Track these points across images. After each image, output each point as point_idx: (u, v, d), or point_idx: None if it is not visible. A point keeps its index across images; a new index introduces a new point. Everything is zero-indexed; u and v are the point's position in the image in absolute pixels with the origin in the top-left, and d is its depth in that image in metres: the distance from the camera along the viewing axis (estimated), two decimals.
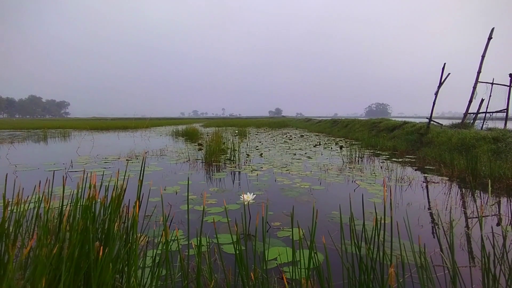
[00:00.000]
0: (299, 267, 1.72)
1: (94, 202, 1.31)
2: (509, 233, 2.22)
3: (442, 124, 7.68)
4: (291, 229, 2.25)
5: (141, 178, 1.38)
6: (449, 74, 6.75)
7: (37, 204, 1.49)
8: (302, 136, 12.71)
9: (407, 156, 6.36)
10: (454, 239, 2.09)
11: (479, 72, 6.98)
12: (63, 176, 1.55)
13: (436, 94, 7.02)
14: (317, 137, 12.29)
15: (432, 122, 7.50)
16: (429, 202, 3.07)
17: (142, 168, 1.42)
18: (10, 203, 1.37)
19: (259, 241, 2.06)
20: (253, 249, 1.97)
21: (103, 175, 2.29)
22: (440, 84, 6.90)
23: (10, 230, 1.29)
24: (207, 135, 12.80)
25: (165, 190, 3.47)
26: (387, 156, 6.43)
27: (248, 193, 2.55)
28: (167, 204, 2.96)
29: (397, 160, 5.86)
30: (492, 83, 7.00)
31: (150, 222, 2.45)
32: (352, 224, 1.18)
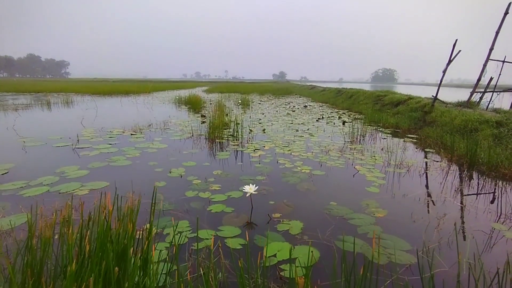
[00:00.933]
0: (296, 265, 1.87)
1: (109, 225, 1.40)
2: (497, 231, 2.35)
3: (447, 103, 7.60)
4: (290, 222, 2.40)
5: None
6: (459, 51, 6.54)
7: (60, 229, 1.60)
8: (305, 107, 12.63)
9: (408, 136, 6.40)
10: (444, 234, 2.23)
11: (491, 49, 6.75)
12: (81, 202, 1.64)
13: (444, 72, 6.86)
14: (320, 108, 12.23)
15: (437, 100, 7.41)
16: (426, 191, 3.18)
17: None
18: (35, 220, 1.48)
19: (262, 236, 2.19)
20: (255, 242, 2.12)
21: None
22: (449, 61, 6.71)
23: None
24: (210, 104, 12.76)
25: (170, 173, 3.59)
26: (388, 135, 6.47)
27: (250, 184, 2.67)
28: (172, 190, 3.08)
29: (398, 140, 5.91)
30: (504, 61, 6.81)
31: (157, 210, 2.59)
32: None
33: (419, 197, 3.00)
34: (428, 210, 2.72)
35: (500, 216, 2.62)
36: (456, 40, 6.49)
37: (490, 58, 6.78)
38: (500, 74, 6.86)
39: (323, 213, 2.60)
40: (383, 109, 9.51)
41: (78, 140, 5.37)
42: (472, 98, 7.30)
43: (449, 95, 26.62)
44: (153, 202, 1.70)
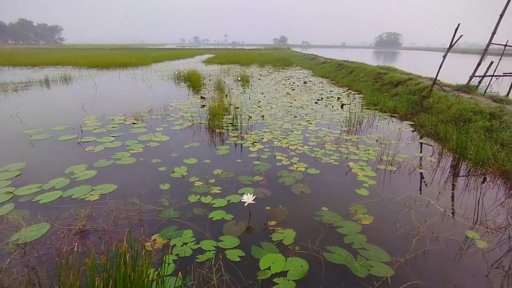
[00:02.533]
0: (287, 278, 2.15)
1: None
2: (469, 239, 2.61)
3: (445, 87, 7.61)
4: (284, 231, 2.66)
5: None
6: (461, 36, 6.45)
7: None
8: (305, 83, 12.57)
9: (405, 122, 6.53)
10: (422, 244, 2.47)
11: (493, 33, 6.65)
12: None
13: (444, 57, 6.80)
14: (320, 85, 12.17)
15: (436, 85, 7.42)
16: (413, 194, 3.40)
17: None
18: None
19: (258, 247, 2.45)
20: (252, 254, 2.39)
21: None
22: (450, 46, 6.64)
23: None
24: (209, 80, 12.70)
25: (173, 173, 3.81)
26: (385, 120, 6.60)
27: (249, 194, 2.90)
28: (176, 193, 3.32)
29: (394, 128, 6.05)
30: (506, 45, 6.74)
31: (163, 218, 2.84)
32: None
33: (405, 200, 3.23)
34: (411, 215, 2.96)
35: (475, 222, 2.86)
36: (459, 24, 6.37)
37: (492, 42, 6.70)
38: (501, 59, 6.82)
39: (314, 221, 2.85)
40: (383, 89, 9.52)
41: (82, 131, 5.54)
42: (471, 82, 7.31)
43: (453, 64, 26.20)
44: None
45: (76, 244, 2.46)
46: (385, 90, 9.33)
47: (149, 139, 5.10)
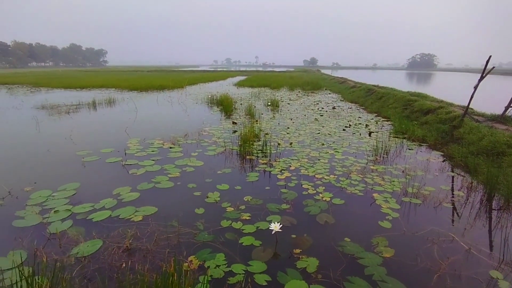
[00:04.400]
0: None
1: None
2: (494, 280, 2.66)
3: (478, 117, 7.49)
4: (308, 260, 2.87)
5: None
6: (493, 67, 6.43)
7: None
8: (334, 108, 12.76)
9: (434, 152, 6.51)
10: (443, 281, 2.57)
11: None
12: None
13: (476, 88, 6.78)
14: (349, 110, 12.30)
15: (468, 115, 7.34)
16: (437, 229, 3.47)
17: None
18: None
19: (283, 273, 2.68)
20: (277, 279, 2.62)
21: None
22: (482, 78, 6.62)
23: None
24: (241, 104, 13.28)
25: (207, 198, 4.17)
26: (413, 150, 6.61)
27: (276, 223, 3.16)
28: (209, 218, 3.65)
29: (421, 158, 6.07)
30: None
31: (198, 241, 3.16)
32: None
33: (428, 235, 3.32)
34: (434, 251, 3.05)
35: (501, 262, 2.89)
36: (490, 56, 6.37)
37: None
38: None
39: (337, 250, 3.03)
40: (412, 117, 9.48)
41: (125, 154, 6.13)
42: (507, 112, 7.15)
43: (493, 87, 25.04)
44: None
45: (124, 261, 2.84)
46: (415, 117, 9.29)
47: (185, 164, 5.55)
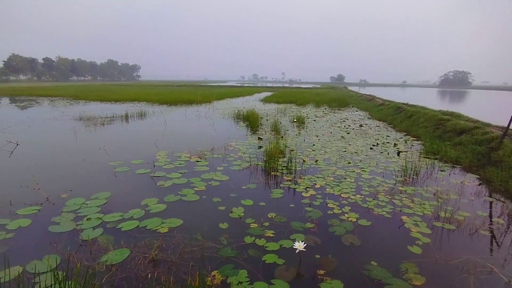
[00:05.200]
0: None
1: None
2: None
3: None
4: (332, 282, 2.79)
5: None
6: None
7: None
8: (361, 126, 12.53)
9: (469, 174, 6.18)
10: None
11: None
12: None
13: None
14: (377, 128, 12.02)
15: (508, 137, 6.94)
16: (473, 258, 3.27)
17: None
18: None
19: None
20: None
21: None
22: None
23: None
24: (267, 120, 13.39)
25: (231, 213, 4.20)
26: (445, 172, 6.32)
27: (300, 242, 3.12)
28: (233, 233, 3.67)
29: (455, 181, 5.78)
30: None
31: (221, 256, 3.18)
32: None
33: (463, 264, 3.12)
34: (470, 282, 2.86)
35: None
36: None
37: None
38: None
39: (363, 274, 2.93)
40: (444, 137, 9.10)
41: (154, 165, 6.35)
42: None
43: None
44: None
45: (150, 272, 2.91)
46: (447, 138, 8.91)
47: (211, 178, 5.64)
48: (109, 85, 62.69)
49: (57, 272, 2.47)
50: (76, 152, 7.62)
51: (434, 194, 5.08)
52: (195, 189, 5.08)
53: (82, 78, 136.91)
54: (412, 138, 9.99)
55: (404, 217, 4.16)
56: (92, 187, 5.10)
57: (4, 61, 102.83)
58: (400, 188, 5.30)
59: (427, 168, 6.51)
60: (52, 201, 4.48)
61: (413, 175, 6.00)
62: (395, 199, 4.82)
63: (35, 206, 4.30)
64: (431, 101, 31.73)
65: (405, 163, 6.35)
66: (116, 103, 21.58)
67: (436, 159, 7.29)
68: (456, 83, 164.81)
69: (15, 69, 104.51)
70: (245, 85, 79.88)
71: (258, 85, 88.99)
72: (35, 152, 7.66)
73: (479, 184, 5.65)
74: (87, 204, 4.40)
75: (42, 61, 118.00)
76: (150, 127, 11.45)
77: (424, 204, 4.62)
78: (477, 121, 9.66)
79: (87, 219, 3.94)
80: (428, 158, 7.34)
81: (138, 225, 3.83)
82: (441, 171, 6.43)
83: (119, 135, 10.08)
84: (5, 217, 3.95)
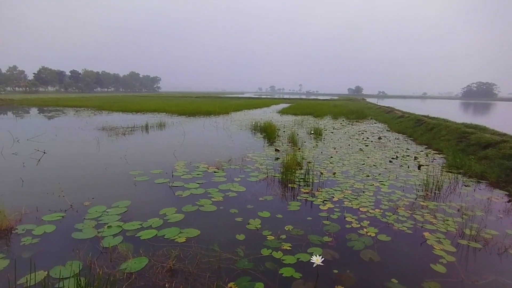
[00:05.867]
0: None
1: None
2: None
3: None
4: None
5: None
6: None
7: None
8: (379, 138, 12.30)
9: (496, 190, 5.92)
10: None
11: None
12: None
13: None
14: (396, 141, 11.77)
15: None
16: (502, 280, 3.11)
17: None
18: None
19: None
20: None
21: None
22: None
23: None
24: (284, 131, 13.39)
25: (248, 224, 4.20)
26: (470, 187, 6.08)
27: (318, 256, 3.07)
28: (250, 245, 3.66)
29: (481, 197, 5.54)
30: None
31: (238, 268, 3.17)
32: None
33: (491, 286, 2.97)
34: None
35: None
36: None
37: None
38: None
39: None
40: (468, 150, 8.78)
41: (172, 175, 6.46)
42: None
43: None
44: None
45: (167, 281, 2.94)
46: (471, 151, 8.59)
47: (228, 189, 5.68)
48: (131, 96, 64.75)
49: (79, 278, 2.54)
50: (99, 161, 7.88)
51: (458, 210, 4.89)
52: (212, 199, 5.13)
53: (106, 89, 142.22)
54: (434, 152, 9.71)
55: (426, 234, 4.02)
56: (113, 195, 5.24)
57: (34, 73, 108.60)
58: (422, 203, 5.14)
59: (450, 183, 6.29)
60: (75, 208, 4.63)
61: (435, 190, 5.81)
62: (416, 214, 4.67)
63: (59, 212, 4.47)
64: (454, 113, 30.81)
65: (427, 177, 6.16)
66: (137, 113, 22.24)
67: (460, 173, 7.04)
68: (480, 95, 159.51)
69: (44, 81, 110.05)
70: (263, 96, 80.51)
71: (275, 96, 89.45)
72: (61, 160, 7.98)
73: (508, 201, 5.39)
74: (108, 212, 4.53)
75: (69, 73, 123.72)
76: (169, 138, 11.71)
77: (447, 220, 4.46)
78: (505, 134, 9.29)
79: (107, 226, 4.05)
80: (451, 172, 7.09)
81: (156, 234, 3.89)
82: (466, 186, 6.19)
83: (139, 145, 10.35)
84: (32, 223, 4.12)
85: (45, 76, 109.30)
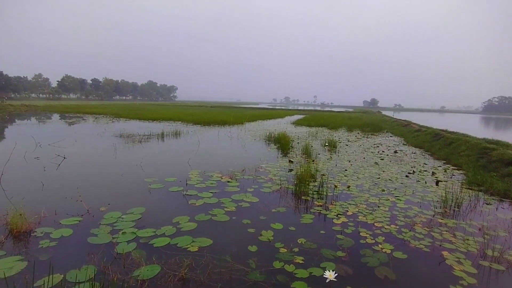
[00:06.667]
0: None
1: None
2: None
3: None
4: None
5: None
6: None
7: None
8: (395, 152, 12.07)
9: None
10: None
11: None
12: None
13: None
14: (413, 155, 11.51)
15: None
16: None
17: None
18: None
19: None
20: None
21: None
22: None
23: None
24: (298, 143, 13.34)
25: (261, 236, 4.17)
26: (492, 206, 5.85)
27: (331, 271, 3.02)
28: (262, 257, 3.63)
29: (504, 216, 5.33)
30: None
31: (250, 279, 3.14)
32: None
33: None
34: None
35: None
36: None
37: None
38: None
39: None
40: (490, 167, 8.49)
41: (186, 184, 6.52)
42: None
43: None
44: None
45: None
46: (493, 168, 8.30)
47: (241, 199, 5.68)
48: (148, 104, 66.30)
49: (94, 283, 2.58)
50: (115, 167, 8.06)
51: (480, 229, 4.70)
52: (225, 209, 5.14)
53: (124, 97, 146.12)
54: (452, 167, 9.43)
55: (445, 253, 3.88)
56: (128, 202, 5.33)
57: (58, 81, 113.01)
58: (440, 220, 4.98)
59: (470, 200, 6.07)
60: (92, 213, 4.74)
61: (454, 207, 5.62)
62: (434, 231, 4.52)
63: (76, 217, 4.58)
64: (473, 128, 29.95)
65: (445, 193, 5.97)
66: (153, 121, 22.70)
67: (481, 191, 6.79)
68: (502, 109, 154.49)
69: (67, 89, 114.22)
70: (277, 107, 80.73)
71: (290, 107, 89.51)
72: (79, 165, 8.21)
73: None
74: (123, 218, 4.60)
75: (91, 82, 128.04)
76: (184, 146, 11.87)
77: (468, 239, 4.29)
78: None
79: (122, 233, 4.11)
80: (471, 189, 6.86)
81: (169, 242, 3.92)
82: (487, 204, 5.97)
83: (155, 152, 10.54)
84: (50, 226, 4.24)
85: (68, 84, 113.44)
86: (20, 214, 4.17)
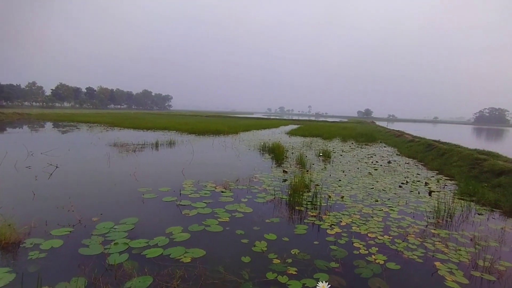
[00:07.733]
0: None
1: None
2: None
3: None
4: None
5: None
6: None
7: None
8: (389, 162, 12.17)
9: (510, 220, 5.75)
10: None
11: None
12: None
13: None
14: (406, 165, 11.62)
15: None
16: None
17: None
18: None
19: None
20: None
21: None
22: None
23: None
24: (292, 153, 13.39)
25: (254, 246, 4.15)
26: (483, 216, 5.91)
27: (324, 282, 3.00)
28: (255, 267, 3.60)
29: (495, 226, 5.38)
30: None
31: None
32: None
33: None
34: None
35: None
36: None
37: None
38: None
39: None
40: (481, 177, 8.60)
41: (180, 194, 6.49)
42: None
43: None
44: None
45: None
46: (484, 178, 8.41)
47: (235, 209, 5.66)
48: (143, 113, 66.17)
49: None
50: (109, 177, 7.99)
51: (471, 239, 4.74)
52: (219, 219, 5.11)
53: (119, 106, 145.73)
54: (445, 178, 9.53)
55: (437, 263, 3.90)
56: (121, 212, 5.28)
57: (52, 89, 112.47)
58: (433, 231, 5.01)
59: (462, 211, 6.13)
60: (83, 224, 4.68)
61: (447, 218, 5.67)
62: (427, 242, 4.55)
63: (68, 227, 4.51)
64: (465, 139, 30.37)
65: (438, 204, 6.03)
66: (148, 131, 22.63)
67: (473, 201, 6.87)
68: (492, 121, 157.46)
69: (61, 97, 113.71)
70: (272, 117, 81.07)
71: (285, 117, 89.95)
72: (72, 175, 8.12)
73: None
74: (115, 228, 4.55)
75: (85, 90, 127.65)
76: (178, 156, 11.84)
77: (460, 250, 4.32)
78: None
79: (114, 243, 4.06)
80: (463, 199, 6.93)
81: (162, 253, 3.88)
82: (479, 214, 6.03)
83: (148, 162, 10.49)
84: (40, 237, 4.17)
85: (62, 92, 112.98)
86: (9, 225, 4.10)
